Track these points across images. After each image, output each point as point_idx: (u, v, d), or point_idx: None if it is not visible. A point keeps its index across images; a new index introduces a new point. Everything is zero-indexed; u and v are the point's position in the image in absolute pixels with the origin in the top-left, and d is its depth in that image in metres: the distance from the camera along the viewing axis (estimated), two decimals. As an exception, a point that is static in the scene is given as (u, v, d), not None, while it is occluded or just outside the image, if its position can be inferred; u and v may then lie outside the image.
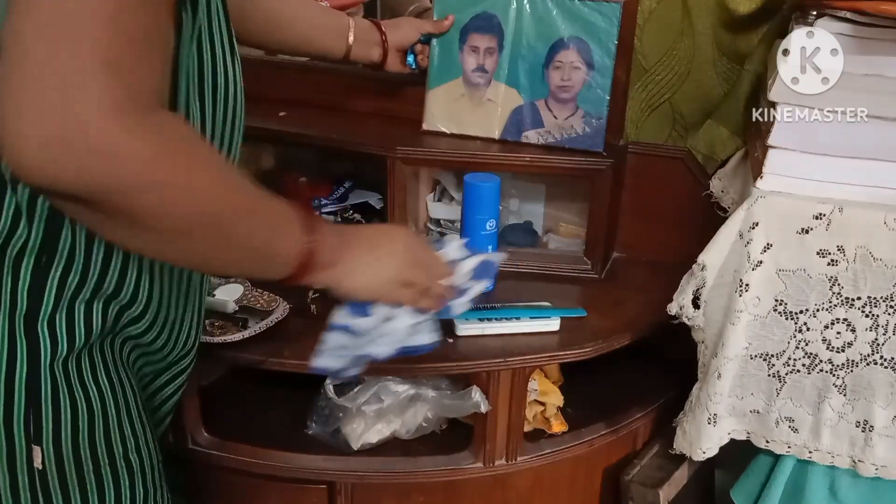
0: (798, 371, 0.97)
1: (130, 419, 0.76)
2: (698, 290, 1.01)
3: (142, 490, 0.78)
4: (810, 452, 1.00)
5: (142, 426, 0.78)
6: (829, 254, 0.92)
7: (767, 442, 1.02)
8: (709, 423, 1.02)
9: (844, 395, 0.96)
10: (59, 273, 0.66)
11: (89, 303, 0.68)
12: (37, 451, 0.69)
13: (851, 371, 0.95)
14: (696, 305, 1.02)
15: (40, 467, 0.69)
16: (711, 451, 1.04)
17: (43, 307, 0.66)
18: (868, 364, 0.94)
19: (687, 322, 1.04)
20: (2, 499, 0.68)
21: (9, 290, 0.64)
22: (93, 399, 0.72)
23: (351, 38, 1.13)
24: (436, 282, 0.79)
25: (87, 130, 0.48)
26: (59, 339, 0.67)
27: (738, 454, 1.12)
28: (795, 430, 1.00)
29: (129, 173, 0.50)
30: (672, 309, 1.03)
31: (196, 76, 0.68)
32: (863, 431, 0.97)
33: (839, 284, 0.93)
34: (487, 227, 1.14)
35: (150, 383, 0.83)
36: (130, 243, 0.59)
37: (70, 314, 0.67)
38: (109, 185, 0.50)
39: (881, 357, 0.94)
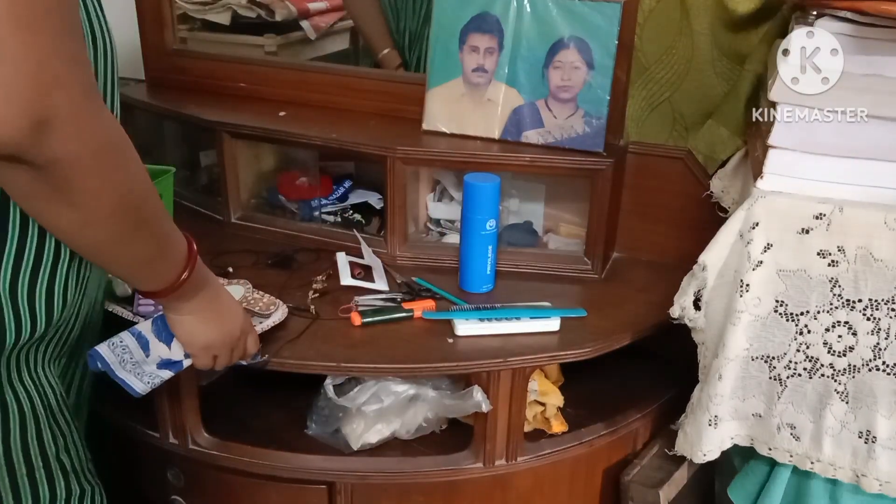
0: (799, 375, 0.97)
1: (56, 417, 0.75)
2: (699, 290, 1.01)
3: (78, 489, 0.77)
4: (812, 463, 0.99)
5: (67, 423, 0.76)
6: (830, 254, 0.92)
7: (770, 449, 1.02)
8: (709, 425, 1.02)
9: (846, 403, 0.95)
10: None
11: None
12: None
13: (853, 377, 0.94)
14: (696, 306, 1.02)
15: None
16: (712, 455, 1.04)
17: None
18: (870, 370, 0.93)
19: (688, 323, 1.04)
20: None
21: None
22: (22, 400, 0.70)
23: None
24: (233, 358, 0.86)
25: (66, 111, 0.53)
26: None
27: (738, 454, 1.12)
28: (797, 438, 0.99)
29: (88, 151, 0.56)
30: (674, 311, 1.03)
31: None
32: (865, 442, 0.96)
33: (840, 286, 0.92)
34: (487, 227, 1.14)
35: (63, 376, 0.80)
36: (50, 218, 0.61)
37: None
38: (66, 158, 0.55)
39: (883, 363, 0.93)
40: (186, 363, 0.84)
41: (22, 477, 0.71)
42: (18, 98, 0.51)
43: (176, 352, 0.82)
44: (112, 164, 0.59)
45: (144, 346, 0.83)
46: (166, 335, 0.82)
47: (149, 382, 0.82)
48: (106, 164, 0.58)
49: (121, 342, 0.82)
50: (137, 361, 0.82)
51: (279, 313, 1.03)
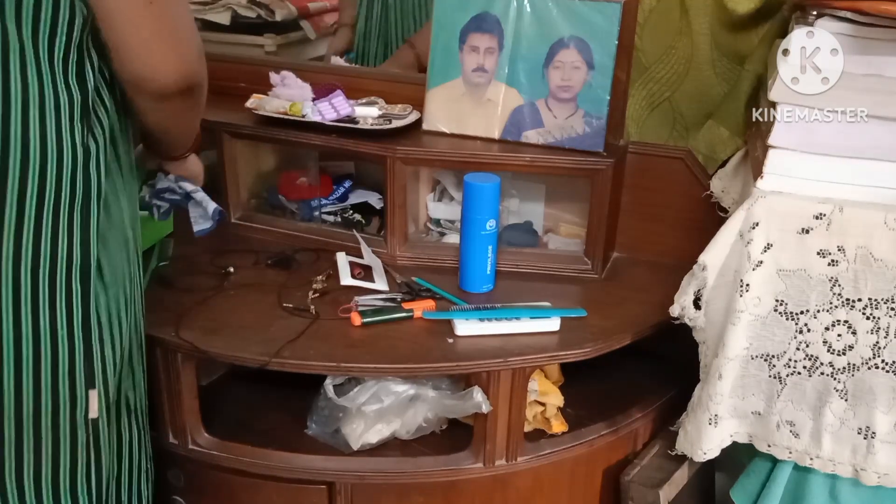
0: (798, 373, 0.97)
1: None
2: (699, 290, 1.01)
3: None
4: (811, 459, 0.99)
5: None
6: (830, 254, 0.92)
7: (769, 446, 1.02)
8: (710, 424, 1.02)
9: (846, 400, 0.96)
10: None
11: None
12: (93, 395, 0.81)
13: (852, 375, 0.95)
14: (696, 306, 1.02)
15: (95, 416, 0.83)
16: (713, 453, 1.04)
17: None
18: (869, 368, 0.94)
19: (688, 323, 1.04)
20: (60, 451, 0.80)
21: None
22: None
23: None
24: None
25: (199, 59, 0.84)
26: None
27: (739, 455, 1.12)
28: (796, 435, 0.99)
29: (203, 80, 0.86)
30: (674, 311, 1.03)
31: None
32: (864, 438, 0.96)
33: (840, 285, 0.92)
34: (487, 227, 1.14)
35: None
36: (186, 119, 0.94)
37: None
38: (201, 83, 0.86)
39: (882, 361, 0.93)
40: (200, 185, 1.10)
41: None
42: (189, 64, 0.82)
43: (193, 186, 1.07)
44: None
45: (184, 199, 1.07)
46: (182, 184, 1.06)
47: (215, 214, 1.09)
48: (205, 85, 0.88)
49: (191, 212, 1.09)
50: (198, 213, 1.09)
51: None
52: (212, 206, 1.08)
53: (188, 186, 1.07)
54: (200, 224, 1.10)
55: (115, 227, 0.84)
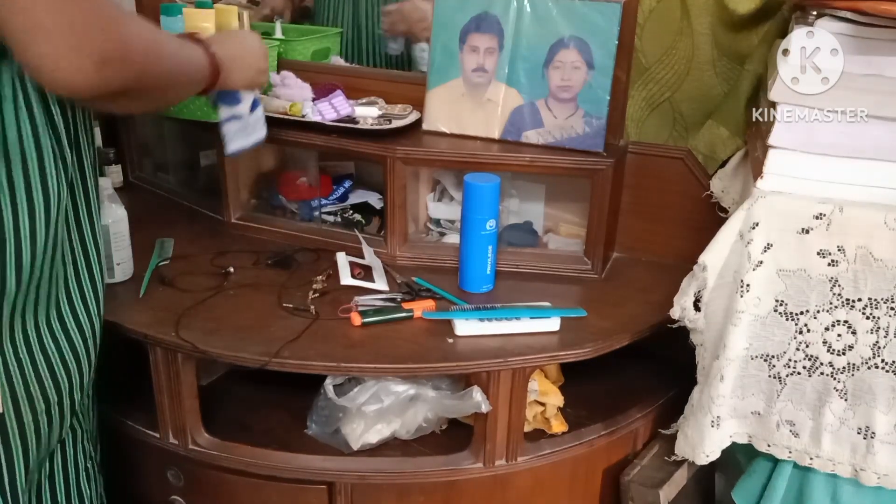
0: (798, 373, 0.97)
1: None
2: (699, 291, 1.01)
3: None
4: (811, 459, 0.99)
5: None
6: (830, 254, 0.92)
7: (769, 446, 1.02)
8: (712, 426, 1.01)
9: (845, 400, 0.96)
10: None
11: None
12: None
13: (852, 375, 0.95)
14: (696, 307, 1.02)
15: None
16: (714, 455, 1.04)
17: None
18: (869, 368, 0.94)
19: (688, 325, 1.04)
20: None
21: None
22: None
23: None
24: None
25: (126, 47, 0.69)
26: None
27: (736, 455, 1.12)
28: (796, 435, 0.99)
29: (143, 80, 0.73)
30: (675, 313, 1.03)
31: None
32: (864, 438, 0.96)
33: (840, 285, 0.92)
34: (487, 227, 1.14)
35: None
36: (148, 106, 0.87)
37: None
38: (137, 77, 0.71)
39: (882, 361, 0.93)
40: (256, 94, 1.06)
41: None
42: (104, 67, 0.67)
43: (247, 97, 1.03)
44: (154, 65, 0.75)
45: (235, 117, 1.03)
46: (234, 98, 1.01)
47: (262, 126, 1.08)
48: (151, 68, 0.74)
49: (227, 132, 1.03)
50: (244, 127, 1.04)
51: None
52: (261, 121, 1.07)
53: (246, 97, 1.03)
54: (238, 141, 1.06)
55: None
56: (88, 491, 0.95)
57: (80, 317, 0.87)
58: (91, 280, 0.89)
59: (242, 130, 1.05)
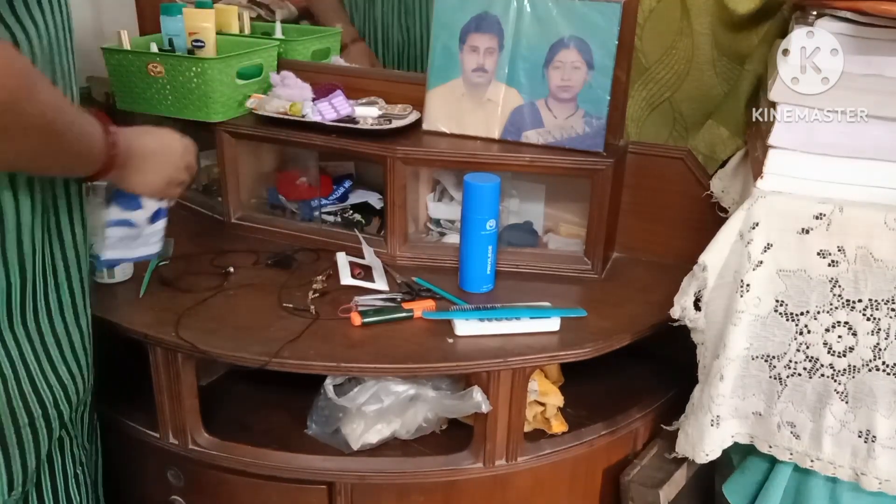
0: (799, 374, 0.97)
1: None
2: (699, 291, 1.01)
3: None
4: (812, 461, 0.99)
5: None
6: (830, 254, 0.92)
7: (770, 447, 1.02)
8: (712, 426, 1.01)
9: (846, 403, 0.95)
10: None
11: None
12: None
13: (853, 377, 0.94)
14: (696, 307, 1.02)
15: None
16: (714, 454, 1.04)
17: None
18: (870, 370, 0.93)
19: (688, 324, 1.04)
20: None
21: None
22: None
23: None
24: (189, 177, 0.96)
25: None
26: None
27: (729, 453, 1.12)
28: (797, 436, 0.99)
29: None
30: (675, 312, 1.03)
31: None
32: (865, 442, 0.96)
33: (840, 286, 0.92)
34: (487, 227, 1.14)
35: None
36: (10, 158, 0.69)
37: None
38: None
39: (883, 363, 0.93)
40: (163, 204, 0.94)
41: None
42: None
43: (150, 205, 0.92)
44: (26, 102, 0.64)
45: (126, 223, 0.91)
46: (133, 202, 0.90)
47: (156, 241, 0.95)
48: (14, 108, 0.63)
49: (110, 237, 0.91)
50: (134, 237, 0.92)
51: None
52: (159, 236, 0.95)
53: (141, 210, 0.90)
54: (117, 250, 0.93)
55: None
56: (78, 497, 0.92)
57: (69, 327, 0.85)
58: (71, 287, 0.85)
59: (130, 240, 0.92)
